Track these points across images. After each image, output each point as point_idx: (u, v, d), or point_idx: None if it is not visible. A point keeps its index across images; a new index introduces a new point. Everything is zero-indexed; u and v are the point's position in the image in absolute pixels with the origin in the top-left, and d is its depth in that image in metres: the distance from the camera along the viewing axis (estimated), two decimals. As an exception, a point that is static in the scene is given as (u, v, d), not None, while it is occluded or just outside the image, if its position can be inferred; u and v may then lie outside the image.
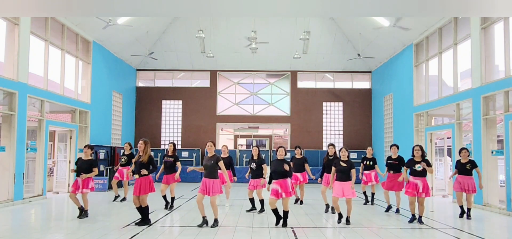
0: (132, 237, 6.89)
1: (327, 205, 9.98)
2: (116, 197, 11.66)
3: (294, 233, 7.32)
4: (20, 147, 11.07)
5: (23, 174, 11.20)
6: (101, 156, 15.39)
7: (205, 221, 7.76)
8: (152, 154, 8.05)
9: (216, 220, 7.85)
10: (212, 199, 7.68)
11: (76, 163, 8.95)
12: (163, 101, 20.79)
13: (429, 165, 8.20)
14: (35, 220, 9.09)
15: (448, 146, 14.76)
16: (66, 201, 11.92)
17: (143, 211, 7.89)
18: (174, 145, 10.25)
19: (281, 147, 8.02)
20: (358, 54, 17.07)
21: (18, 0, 5.43)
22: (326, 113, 20.79)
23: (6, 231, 7.64)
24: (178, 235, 7.14)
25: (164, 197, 10.28)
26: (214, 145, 7.95)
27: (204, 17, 17.35)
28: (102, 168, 15.14)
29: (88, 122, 14.88)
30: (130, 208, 10.34)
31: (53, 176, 14.44)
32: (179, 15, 16.21)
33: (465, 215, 9.19)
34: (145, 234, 7.12)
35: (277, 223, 7.92)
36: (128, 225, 7.93)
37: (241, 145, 22.16)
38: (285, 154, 7.99)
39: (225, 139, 23.06)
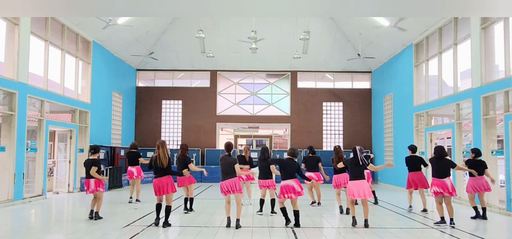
0: (132, 237, 6.89)
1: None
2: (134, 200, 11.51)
3: (294, 233, 7.32)
4: (20, 147, 11.06)
5: (23, 174, 11.20)
6: (101, 156, 15.38)
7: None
8: None
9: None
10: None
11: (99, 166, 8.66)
12: (163, 101, 20.79)
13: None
14: (35, 220, 9.09)
15: (448, 146, 14.75)
16: (66, 201, 11.93)
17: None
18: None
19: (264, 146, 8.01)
20: (358, 54, 17.06)
21: (18, 0, 5.43)
22: (326, 113, 20.78)
23: (6, 231, 7.64)
24: (178, 235, 7.15)
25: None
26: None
27: (204, 17, 17.35)
28: (102, 168, 15.11)
29: (88, 122, 14.88)
30: (130, 207, 10.36)
31: (53, 176, 14.44)
32: (179, 15, 16.22)
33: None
34: (145, 234, 7.12)
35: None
36: (129, 225, 7.94)
37: (241, 145, 22.15)
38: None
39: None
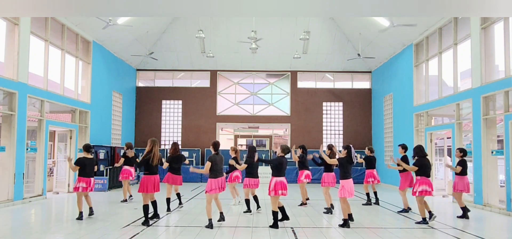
0: (132, 237, 6.89)
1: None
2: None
3: (294, 233, 7.32)
4: (20, 147, 11.06)
5: (23, 174, 11.20)
6: (101, 156, 15.39)
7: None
8: None
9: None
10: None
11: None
12: (163, 101, 20.79)
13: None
14: (35, 220, 9.09)
15: (448, 146, 14.77)
16: (66, 201, 11.93)
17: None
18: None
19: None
20: (358, 54, 17.06)
21: (18, 0, 5.43)
22: (326, 113, 20.78)
23: (6, 231, 7.64)
24: (178, 235, 7.15)
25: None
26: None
27: (204, 17, 17.35)
28: (102, 168, 15.13)
29: (88, 122, 14.87)
30: (130, 207, 10.36)
31: (53, 176, 14.44)
32: (179, 15, 16.21)
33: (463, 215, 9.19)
34: (145, 234, 7.13)
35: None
36: (128, 225, 7.94)
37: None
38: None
39: (225, 139, 23.06)
